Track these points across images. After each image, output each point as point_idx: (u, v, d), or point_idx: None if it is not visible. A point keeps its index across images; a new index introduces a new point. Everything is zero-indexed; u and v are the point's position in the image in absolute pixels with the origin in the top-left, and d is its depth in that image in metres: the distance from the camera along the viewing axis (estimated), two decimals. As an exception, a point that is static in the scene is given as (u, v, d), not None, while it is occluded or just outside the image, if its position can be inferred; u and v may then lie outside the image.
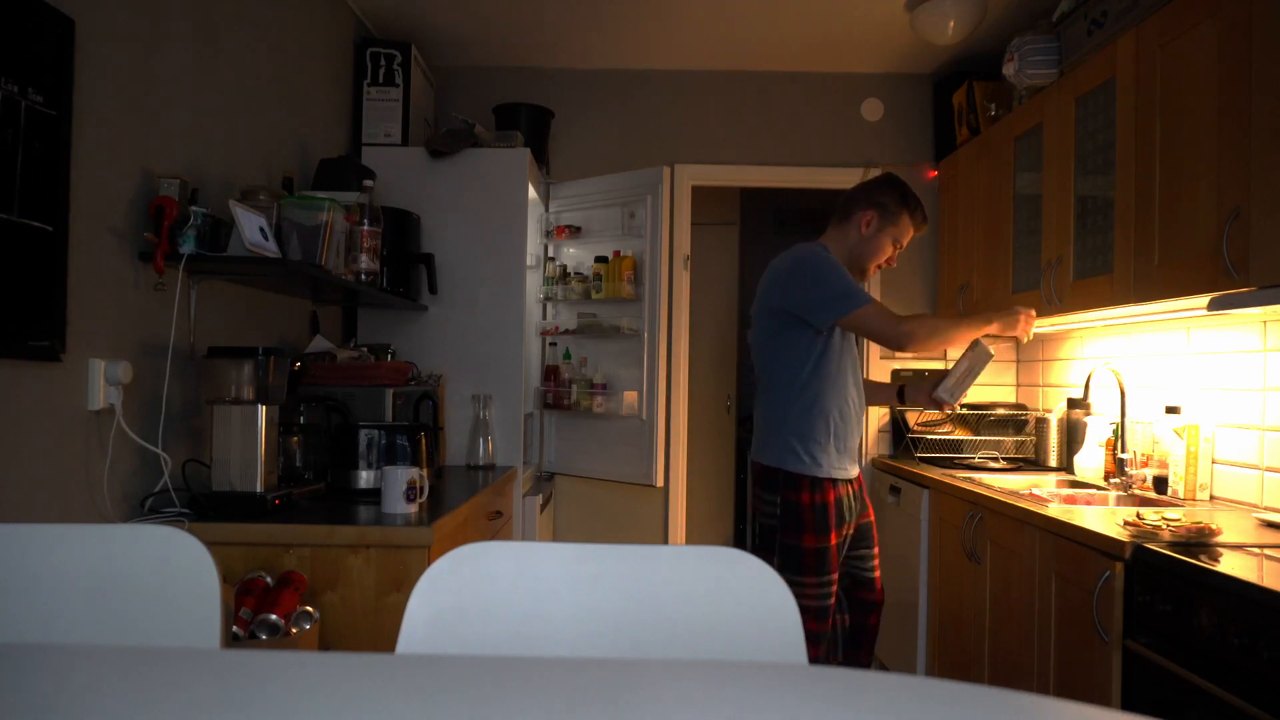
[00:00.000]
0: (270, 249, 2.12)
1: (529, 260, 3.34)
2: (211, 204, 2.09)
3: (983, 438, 3.45)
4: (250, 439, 2.04)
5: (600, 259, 3.65)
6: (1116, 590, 1.91)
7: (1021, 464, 3.38)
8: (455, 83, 3.88)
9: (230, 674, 0.78)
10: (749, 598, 0.95)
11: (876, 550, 2.51)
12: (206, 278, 2.20)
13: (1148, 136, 2.23)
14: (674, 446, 3.84)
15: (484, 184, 3.26)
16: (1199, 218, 2.03)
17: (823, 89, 3.90)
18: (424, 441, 2.49)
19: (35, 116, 1.63)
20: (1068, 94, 2.65)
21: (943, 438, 3.56)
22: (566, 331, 3.76)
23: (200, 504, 2.02)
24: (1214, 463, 2.50)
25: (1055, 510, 2.32)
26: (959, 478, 2.97)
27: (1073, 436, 3.17)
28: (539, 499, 3.31)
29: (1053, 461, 3.32)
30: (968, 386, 2.48)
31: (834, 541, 2.35)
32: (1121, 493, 2.67)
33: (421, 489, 2.10)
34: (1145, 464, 2.73)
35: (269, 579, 1.85)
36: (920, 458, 3.52)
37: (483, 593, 0.96)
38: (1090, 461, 2.98)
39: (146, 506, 1.99)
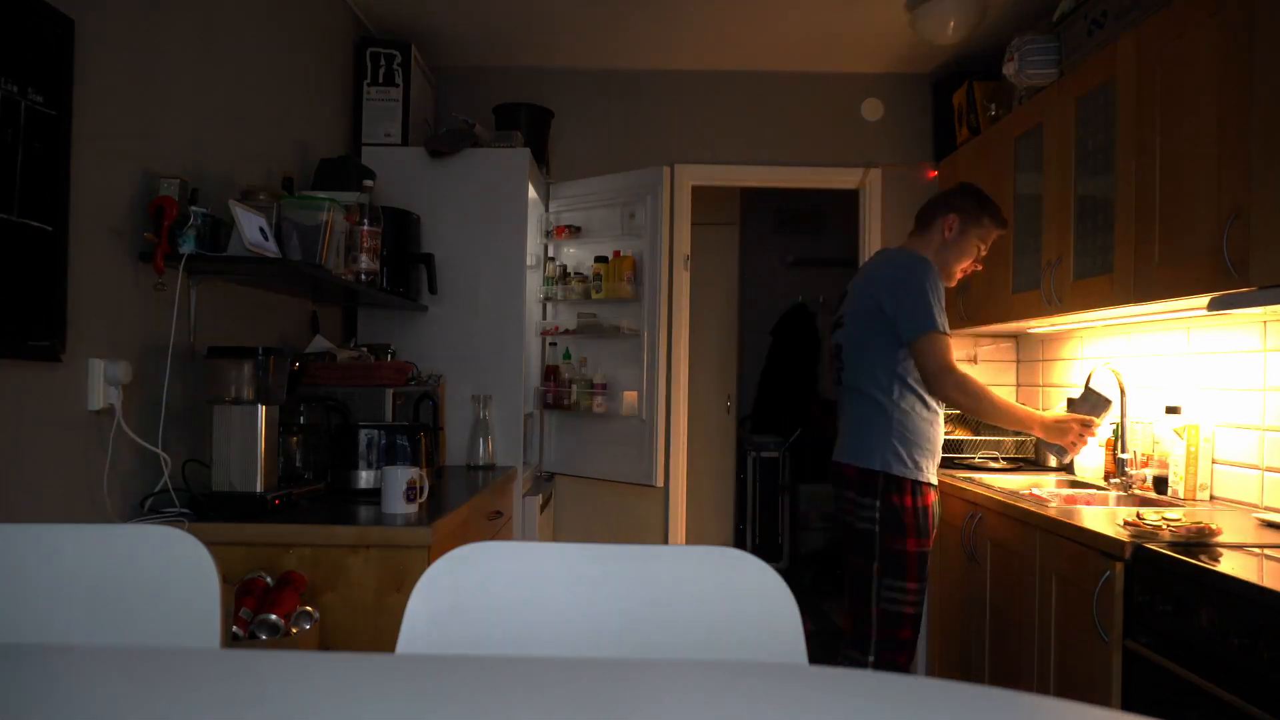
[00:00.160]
0: (270, 249, 2.11)
1: (529, 260, 3.34)
2: (211, 204, 2.09)
3: (983, 438, 3.45)
4: (250, 439, 2.04)
5: (600, 259, 3.65)
6: (1116, 590, 1.91)
7: (1021, 464, 3.38)
8: (455, 83, 3.87)
9: (230, 674, 0.78)
10: (749, 598, 0.95)
11: None
12: (206, 278, 2.20)
13: (1148, 136, 2.23)
14: (674, 446, 3.84)
15: (484, 184, 3.26)
16: (1199, 218, 2.03)
17: (823, 89, 3.90)
18: (424, 441, 2.49)
19: (35, 116, 1.63)
20: (1068, 94, 2.65)
21: (943, 438, 3.56)
22: (566, 331, 3.76)
23: (200, 504, 2.02)
24: (1214, 463, 2.50)
25: (1055, 510, 2.32)
26: (959, 478, 2.97)
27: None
28: (539, 499, 3.31)
29: (1052, 462, 3.32)
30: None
31: (930, 546, 2.38)
32: (1121, 493, 2.67)
33: (421, 489, 2.10)
34: (1145, 464, 2.73)
35: (269, 579, 1.85)
36: (920, 458, 3.52)
37: (483, 593, 0.96)
38: (1090, 461, 2.98)
39: (146, 506, 1.99)
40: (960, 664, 2.89)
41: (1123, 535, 1.94)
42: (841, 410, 2.53)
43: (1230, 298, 1.92)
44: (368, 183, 2.75)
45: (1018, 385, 3.80)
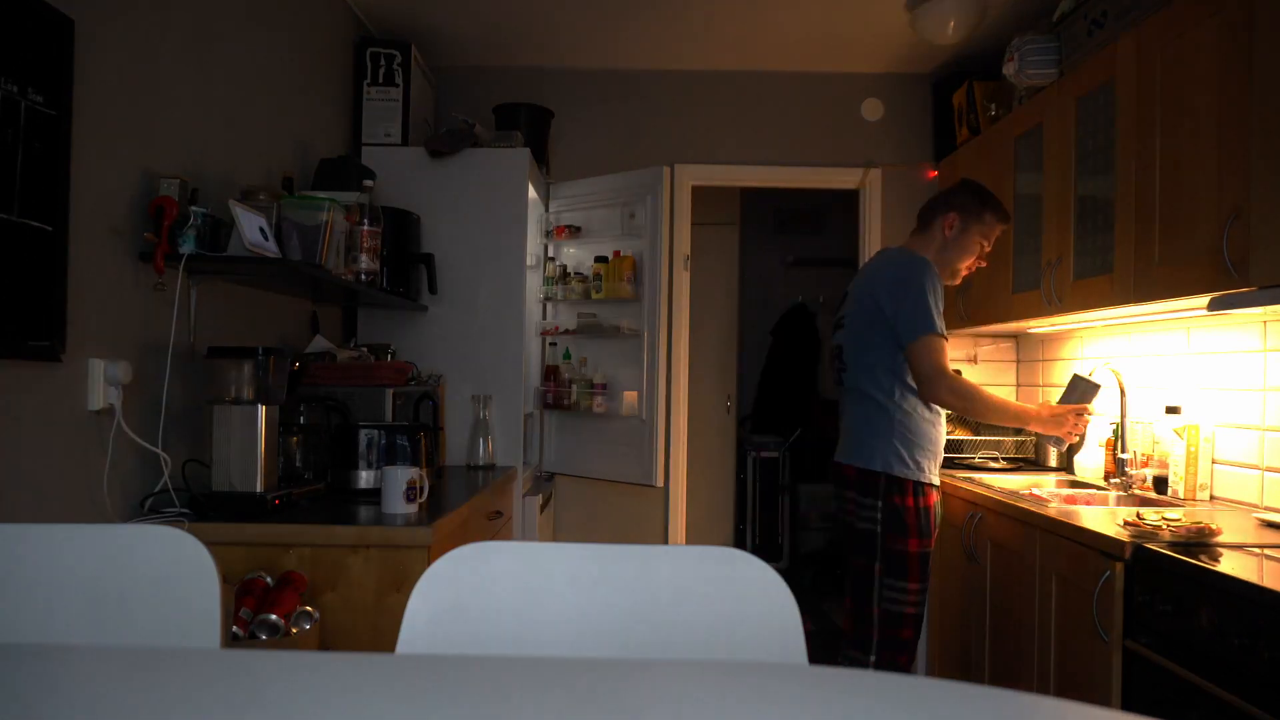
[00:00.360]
0: (270, 249, 2.11)
1: (529, 260, 3.34)
2: (211, 204, 2.09)
3: (983, 438, 3.45)
4: (250, 439, 2.04)
5: (600, 259, 3.65)
6: (1116, 590, 1.91)
7: (1021, 464, 3.38)
8: (455, 83, 3.87)
9: (230, 674, 0.78)
10: (749, 598, 0.95)
11: None
12: (206, 278, 2.20)
13: (1148, 137, 2.23)
14: (674, 446, 3.84)
15: (484, 184, 3.26)
16: (1199, 218, 2.03)
17: (823, 89, 3.90)
18: (424, 441, 2.49)
19: (35, 116, 1.63)
20: (1068, 94, 2.65)
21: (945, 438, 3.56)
22: (566, 331, 3.76)
23: (200, 504, 2.02)
24: (1214, 463, 2.50)
25: (1055, 510, 2.32)
26: (959, 478, 2.97)
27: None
28: (539, 499, 3.31)
29: (1053, 461, 3.32)
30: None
31: (932, 546, 2.39)
32: (1121, 493, 2.67)
33: (421, 489, 2.10)
34: (1145, 464, 2.73)
35: (269, 579, 1.85)
36: (920, 458, 3.52)
37: (483, 593, 0.96)
38: (1090, 461, 2.98)
39: (146, 506, 1.99)
40: (960, 664, 2.89)
41: (1123, 535, 1.94)
42: (843, 411, 2.53)
43: (1230, 298, 1.92)
44: (368, 183, 2.75)
45: (1018, 385, 3.80)
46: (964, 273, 2.54)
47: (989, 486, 2.76)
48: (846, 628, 2.47)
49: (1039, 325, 3.12)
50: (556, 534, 3.87)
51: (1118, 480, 2.72)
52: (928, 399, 2.37)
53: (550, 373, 3.78)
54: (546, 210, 3.82)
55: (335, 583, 1.91)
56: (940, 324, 2.33)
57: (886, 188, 3.86)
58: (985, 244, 2.51)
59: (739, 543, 5.23)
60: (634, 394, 3.58)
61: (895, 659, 2.37)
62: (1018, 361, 3.81)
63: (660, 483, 3.61)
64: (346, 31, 3.29)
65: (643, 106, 3.92)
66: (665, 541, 3.85)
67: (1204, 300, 2.02)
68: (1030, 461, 3.43)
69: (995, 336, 3.80)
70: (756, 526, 5.33)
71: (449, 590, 0.95)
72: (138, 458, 1.97)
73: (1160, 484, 2.62)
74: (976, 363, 3.81)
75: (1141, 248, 2.24)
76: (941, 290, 2.38)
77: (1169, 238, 2.15)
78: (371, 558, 1.92)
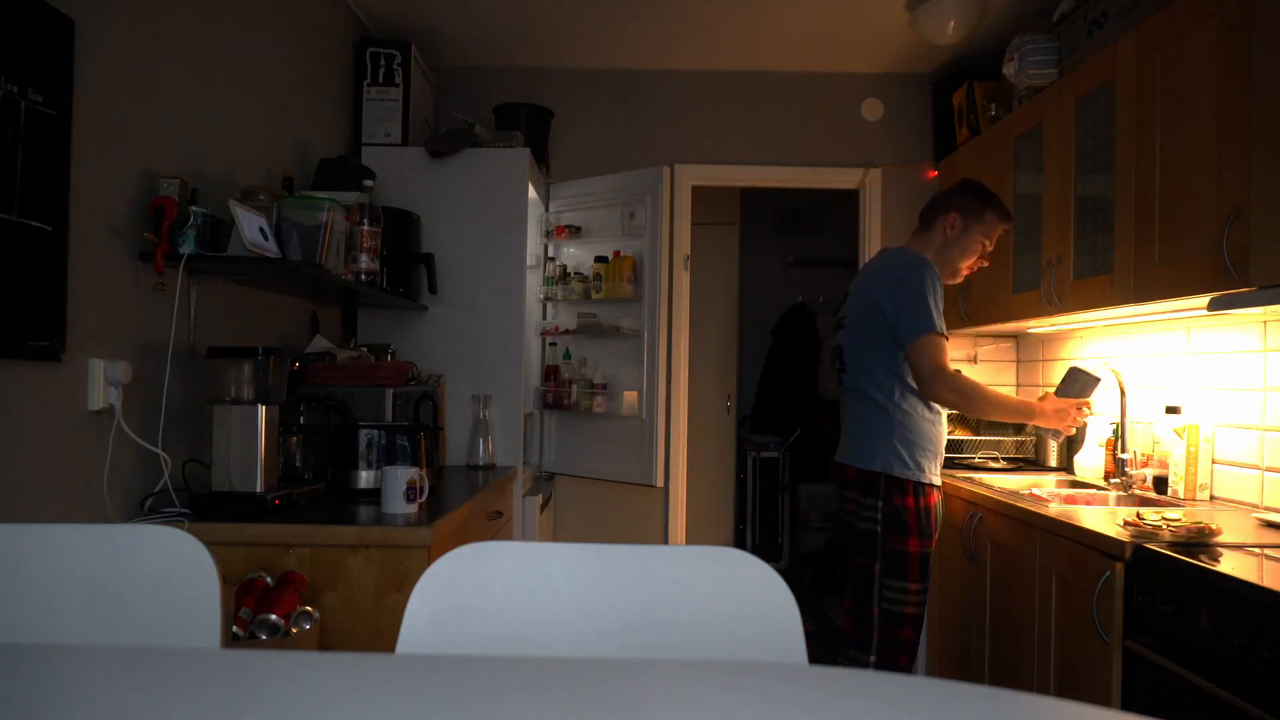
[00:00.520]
0: (270, 249, 2.11)
1: (529, 260, 3.34)
2: (211, 204, 2.09)
3: (983, 438, 3.45)
4: (250, 439, 2.04)
5: (600, 259, 3.65)
6: (1116, 590, 1.91)
7: (1021, 464, 3.38)
8: (455, 83, 3.87)
9: (230, 674, 0.78)
10: (749, 598, 0.95)
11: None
12: (206, 278, 2.20)
13: (1148, 136, 2.23)
14: (674, 446, 3.84)
15: (484, 184, 3.26)
16: (1199, 218, 2.03)
17: (823, 89, 3.90)
18: (424, 441, 2.49)
19: (35, 116, 1.63)
20: (1068, 94, 2.65)
21: (946, 438, 3.56)
22: (566, 331, 3.76)
23: (200, 504, 2.02)
24: (1214, 463, 2.50)
25: (1055, 510, 2.32)
26: (959, 478, 2.97)
27: (1072, 437, 3.17)
28: (539, 499, 3.31)
29: (1053, 461, 3.32)
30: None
31: (933, 547, 2.39)
32: (1121, 493, 2.67)
33: (421, 489, 2.10)
34: (1145, 464, 2.73)
35: (269, 579, 1.85)
36: (920, 458, 3.52)
37: (483, 593, 0.96)
38: (1090, 461, 2.98)
39: (146, 506, 1.99)
40: (960, 664, 2.89)
41: (1123, 535, 1.94)
42: (844, 412, 2.53)
43: (1230, 298, 1.92)
44: (368, 183, 2.75)
45: (1018, 385, 3.80)
46: (965, 272, 2.54)
47: (989, 486, 2.76)
48: (846, 628, 2.47)
49: (1039, 325, 3.12)
50: (556, 534, 3.87)
51: (1118, 480, 2.72)
52: (929, 398, 2.36)
53: (550, 373, 3.78)
54: (546, 210, 3.82)
55: (335, 583, 1.91)
56: (940, 323, 2.32)
57: (886, 188, 3.86)
58: (987, 243, 2.51)
59: (739, 543, 5.23)
60: (634, 394, 3.58)
61: (895, 659, 2.37)
62: (1018, 361, 3.81)
63: (660, 483, 3.61)
64: (346, 31, 3.29)
65: (643, 106, 3.92)
66: (665, 541, 3.85)
67: (1204, 300, 2.02)
68: (1030, 461, 3.43)
69: (995, 336, 3.80)
70: (756, 526, 5.33)
71: (449, 590, 0.95)
72: (138, 458, 1.97)
73: (1160, 484, 2.62)
74: (976, 363, 3.81)
75: (1141, 248, 2.24)
76: (941, 289, 2.38)
77: (1169, 238, 2.15)
78: (371, 558, 1.92)
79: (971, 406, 2.42)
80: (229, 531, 1.91)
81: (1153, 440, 2.75)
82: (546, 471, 3.84)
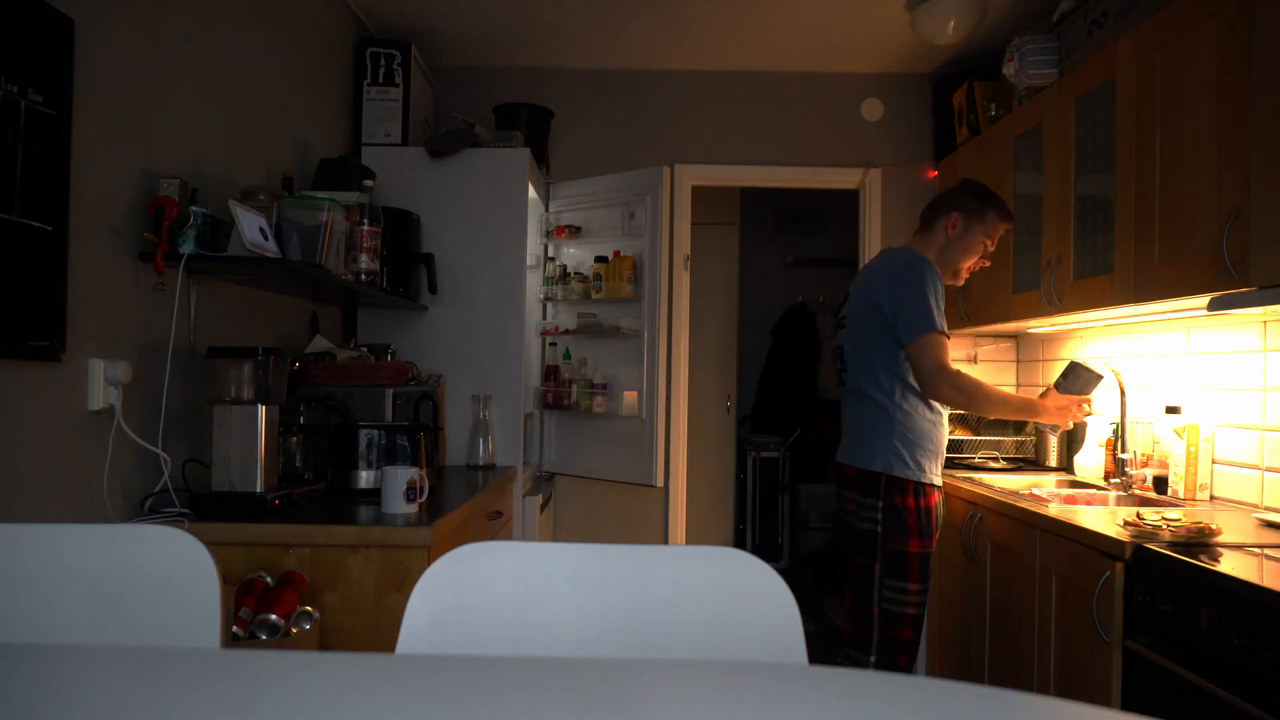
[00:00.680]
0: (270, 249, 2.11)
1: (529, 260, 3.34)
2: (211, 204, 2.09)
3: (983, 438, 3.45)
4: (250, 439, 2.04)
5: (600, 259, 3.65)
6: (1116, 590, 1.91)
7: (1021, 464, 3.38)
8: (455, 83, 3.87)
9: (230, 674, 0.78)
10: (749, 598, 0.95)
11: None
12: (206, 278, 2.20)
13: (1148, 136, 2.23)
14: (674, 446, 3.84)
15: (484, 184, 3.26)
16: (1199, 218, 2.03)
17: (823, 89, 3.90)
18: (424, 441, 2.49)
19: (35, 116, 1.63)
20: (1068, 94, 2.65)
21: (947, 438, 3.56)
22: (566, 331, 3.76)
23: (200, 504, 2.02)
24: (1214, 463, 2.50)
25: (1055, 510, 2.32)
26: (959, 478, 2.97)
27: (1073, 436, 3.17)
28: (539, 499, 3.31)
29: (1053, 461, 3.32)
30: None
31: (934, 547, 2.38)
32: (1121, 493, 2.67)
33: (421, 489, 2.10)
34: (1145, 464, 2.73)
35: (269, 579, 1.85)
36: (920, 458, 3.52)
37: (483, 593, 0.96)
38: (1090, 461, 2.98)
39: (146, 506, 1.99)
40: (960, 664, 2.89)
41: (1123, 535, 1.94)
42: (845, 411, 2.53)
43: (1230, 298, 1.92)
44: (368, 183, 2.75)
45: (1018, 385, 3.80)
46: (966, 273, 2.54)
47: (989, 486, 2.76)
48: (846, 628, 2.47)
49: (1039, 325, 3.12)
50: (556, 534, 3.87)
51: (1118, 480, 2.72)
52: (931, 397, 2.36)
53: (550, 373, 3.78)
54: (546, 210, 3.82)
55: (335, 583, 1.91)
56: (941, 322, 2.32)
57: (886, 188, 3.86)
58: (989, 243, 2.51)
59: (739, 543, 5.23)
60: (634, 394, 3.58)
61: (895, 659, 2.37)
62: (1018, 361, 3.81)
63: (660, 483, 3.61)
64: (346, 31, 3.29)
65: (643, 106, 3.92)
66: (665, 541, 3.85)
67: (1204, 300, 2.02)
68: (1030, 461, 3.43)
69: (995, 336, 3.80)
70: (756, 526, 5.34)
71: (449, 590, 0.95)
72: (138, 458, 1.97)
73: (1160, 484, 2.62)
74: (976, 362, 3.82)
75: (1141, 248, 2.25)
76: (943, 289, 2.38)
77: (1169, 238, 2.15)
78: (371, 558, 1.92)
79: (974, 405, 2.42)
80: (229, 531, 1.91)
81: (1153, 440, 2.75)
82: (546, 471, 3.84)
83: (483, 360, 3.24)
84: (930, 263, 2.39)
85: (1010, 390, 3.76)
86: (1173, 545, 1.83)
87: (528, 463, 3.36)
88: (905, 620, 2.35)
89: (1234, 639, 1.55)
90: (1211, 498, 2.49)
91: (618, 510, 3.90)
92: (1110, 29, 2.47)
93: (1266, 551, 1.81)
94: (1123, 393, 2.73)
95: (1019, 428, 3.48)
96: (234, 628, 1.70)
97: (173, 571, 0.99)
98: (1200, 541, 1.85)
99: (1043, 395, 2.53)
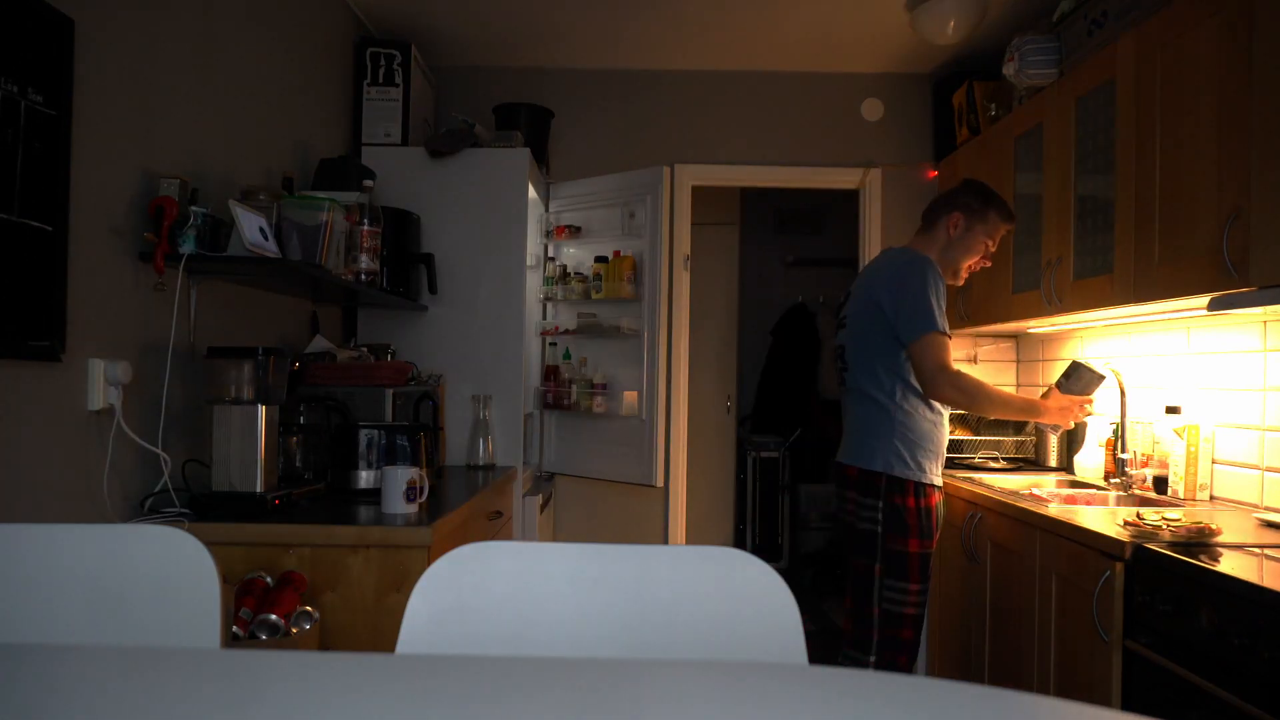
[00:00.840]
0: (270, 249, 2.11)
1: (529, 260, 3.34)
2: (211, 204, 2.09)
3: (983, 438, 3.45)
4: (250, 439, 2.04)
5: (600, 259, 3.65)
6: (1116, 590, 1.91)
7: (1021, 464, 3.38)
8: (455, 83, 3.87)
9: (230, 674, 0.78)
10: (749, 598, 0.95)
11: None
12: (206, 278, 2.20)
13: (1148, 136, 2.23)
14: (674, 446, 3.84)
15: (484, 184, 3.26)
16: (1199, 218, 2.03)
17: (823, 89, 3.90)
18: (424, 441, 2.49)
19: (35, 116, 1.63)
20: (1068, 94, 2.65)
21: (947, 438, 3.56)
22: (566, 331, 3.76)
23: (200, 504, 2.02)
24: (1214, 463, 2.50)
25: (1055, 510, 2.32)
26: (959, 478, 2.97)
27: (1073, 436, 3.17)
28: (539, 499, 3.31)
29: (1053, 461, 3.32)
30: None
31: (934, 547, 2.38)
32: (1121, 493, 2.67)
33: (421, 489, 2.10)
34: (1145, 464, 2.73)
35: (269, 579, 1.85)
36: (920, 458, 3.52)
37: (483, 593, 0.96)
38: (1090, 461, 2.98)
39: (146, 506, 1.99)
40: (960, 664, 2.89)
41: (1123, 535, 1.94)
42: (845, 411, 2.53)
43: (1230, 298, 1.92)
44: (368, 183, 2.75)
45: (1018, 385, 3.80)
46: (967, 273, 2.54)
47: (989, 486, 2.76)
48: (846, 628, 2.47)
49: (1039, 325, 3.12)
50: (556, 534, 3.87)
51: (1118, 480, 2.72)
52: (932, 397, 2.36)
53: (550, 373, 3.78)
54: (546, 210, 3.82)
55: (335, 583, 1.91)
56: (942, 322, 2.32)
57: (886, 188, 3.86)
58: (990, 243, 2.51)
59: (739, 543, 5.23)
60: (634, 394, 3.59)
61: (895, 659, 2.37)
62: (1018, 361, 3.81)
63: (660, 483, 3.61)
64: (346, 31, 3.29)
65: (643, 106, 3.92)
66: (665, 541, 3.85)
67: (1204, 300, 2.02)
68: (1030, 461, 3.43)
69: (995, 336, 3.80)
70: (756, 526, 5.34)
71: (449, 590, 0.95)
72: (138, 458, 1.97)
73: (1160, 484, 2.62)
74: (976, 363, 3.82)
75: (1141, 248, 2.24)
76: (944, 288, 2.38)
77: (1169, 238, 2.15)
78: (371, 558, 1.92)
79: (975, 404, 2.41)
80: (229, 531, 1.91)
81: (1153, 440, 2.75)
82: (546, 471, 3.84)
83: (483, 360, 3.24)
84: (932, 263, 2.39)
85: (1011, 390, 3.76)
86: (1173, 545, 1.83)
87: (528, 463, 3.36)
88: (905, 620, 2.35)
89: (1234, 639, 1.55)
90: (1211, 498, 2.49)
91: (618, 510, 3.90)
92: (1110, 29, 2.47)
93: (1266, 551, 1.81)
94: (1123, 393, 2.73)
95: (1019, 428, 3.48)
96: (234, 628, 1.70)
97: (173, 571, 0.99)
98: (1200, 541, 1.85)
99: (1044, 395, 2.53)
